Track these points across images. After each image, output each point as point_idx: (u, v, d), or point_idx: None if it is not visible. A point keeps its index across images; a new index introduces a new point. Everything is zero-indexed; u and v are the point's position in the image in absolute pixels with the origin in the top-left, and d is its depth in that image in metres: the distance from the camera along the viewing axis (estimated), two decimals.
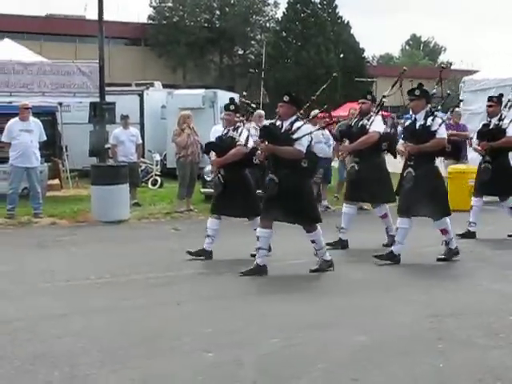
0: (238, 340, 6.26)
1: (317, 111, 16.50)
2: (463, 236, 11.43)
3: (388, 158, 10.94)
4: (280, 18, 63.74)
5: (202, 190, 16.41)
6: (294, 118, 8.88)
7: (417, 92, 9.63)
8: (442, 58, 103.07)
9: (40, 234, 12.18)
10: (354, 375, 5.37)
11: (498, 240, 11.26)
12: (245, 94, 10.91)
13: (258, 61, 55.52)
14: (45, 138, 14.51)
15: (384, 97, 10.66)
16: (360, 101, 10.98)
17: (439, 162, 11.10)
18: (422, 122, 9.54)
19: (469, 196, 14.82)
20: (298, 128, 8.74)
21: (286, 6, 62.25)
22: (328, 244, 10.21)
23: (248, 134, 9.82)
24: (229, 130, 9.96)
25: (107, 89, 17.05)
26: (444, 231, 9.75)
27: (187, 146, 14.91)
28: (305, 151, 8.76)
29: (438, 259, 9.72)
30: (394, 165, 11.26)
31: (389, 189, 10.66)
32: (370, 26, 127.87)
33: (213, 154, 10.12)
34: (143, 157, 19.43)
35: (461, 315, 7.02)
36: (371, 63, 79.05)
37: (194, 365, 5.63)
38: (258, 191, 10.30)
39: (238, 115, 9.96)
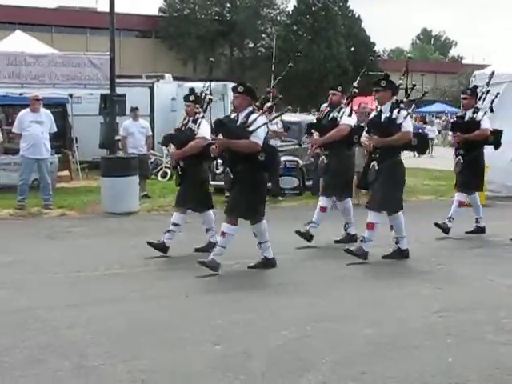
0: (246, 332, 6.27)
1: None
2: (472, 232, 11.38)
3: None
4: (291, 12, 63.74)
5: (212, 182, 16.38)
6: (249, 109, 8.58)
7: (382, 83, 9.34)
8: (453, 52, 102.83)
9: (50, 226, 12.21)
10: (363, 368, 5.36)
11: (509, 235, 11.21)
12: (270, 89, 10.53)
13: (268, 54, 55.36)
14: (55, 130, 14.53)
15: (354, 87, 10.31)
16: (330, 92, 10.66)
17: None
18: (388, 115, 9.22)
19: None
20: (254, 120, 8.42)
21: None
22: (336, 241, 10.27)
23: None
24: (188, 122, 9.69)
25: (118, 81, 17.04)
26: (371, 226, 9.23)
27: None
28: (261, 144, 8.42)
29: (384, 256, 9.45)
30: None
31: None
32: (381, 20, 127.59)
33: (172, 147, 9.86)
34: (153, 149, 19.42)
35: (470, 310, 7.01)
36: (382, 57, 78.76)
37: (203, 356, 5.64)
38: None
39: (197, 106, 9.62)
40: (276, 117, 10.04)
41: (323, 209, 10.39)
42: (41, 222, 12.86)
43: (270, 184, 15.21)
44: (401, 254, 9.43)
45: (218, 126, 8.67)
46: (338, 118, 10.22)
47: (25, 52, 17.49)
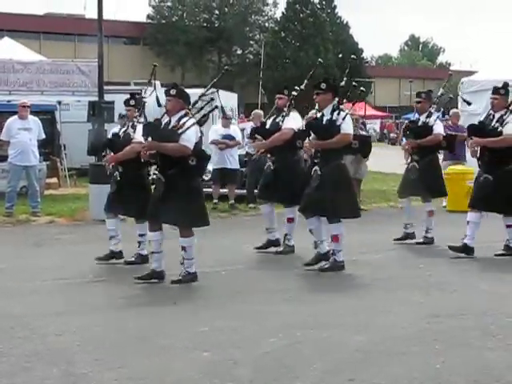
0: (234, 339, 6.26)
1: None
2: (400, 239, 11.04)
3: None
4: (279, 18, 63.86)
5: None
6: (182, 113, 8.38)
7: (323, 86, 9.12)
8: (441, 58, 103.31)
9: (38, 233, 12.18)
10: (351, 375, 5.37)
11: (495, 242, 11.23)
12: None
13: (256, 61, 55.49)
14: (43, 137, 14.52)
15: (300, 90, 10.05)
16: (277, 96, 10.40)
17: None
18: (329, 117, 9.00)
19: (466, 197, 14.90)
20: (185, 123, 8.23)
21: (285, 5, 62.41)
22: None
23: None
24: (128, 127, 9.55)
25: (106, 88, 17.06)
26: (335, 238, 9.07)
27: None
28: (191, 147, 8.17)
29: (306, 263, 9.27)
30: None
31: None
32: (369, 27, 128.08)
33: (110, 152, 9.70)
34: None
35: (458, 316, 7.02)
36: (370, 64, 79.05)
37: (191, 363, 5.63)
38: None
39: (136, 111, 9.46)
40: (204, 119, 8.75)
41: (290, 219, 10.24)
42: (29, 229, 12.82)
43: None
44: (338, 267, 9.07)
45: (147, 129, 8.45)
46: (280, 123, 10.00)
47: (13, 59, 17.50)
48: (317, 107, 9.24)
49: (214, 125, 16.41)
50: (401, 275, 9.06)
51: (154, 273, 8.44)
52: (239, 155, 15.51)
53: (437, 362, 5.64)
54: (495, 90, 10.08)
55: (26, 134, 13.93)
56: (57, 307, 7.36)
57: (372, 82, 60.35)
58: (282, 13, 63.00)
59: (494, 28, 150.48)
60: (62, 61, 19.20)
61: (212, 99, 9.00)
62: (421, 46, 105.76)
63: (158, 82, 28.14)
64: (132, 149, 9.21)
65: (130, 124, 9.50)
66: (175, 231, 8.55)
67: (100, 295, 7.92)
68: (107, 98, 16.85)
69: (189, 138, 8.17)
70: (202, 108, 8.83)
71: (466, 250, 9.99)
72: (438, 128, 11.05)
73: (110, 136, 10.08)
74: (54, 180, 18.42)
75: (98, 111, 16.24)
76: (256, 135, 10.37)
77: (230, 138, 15.11)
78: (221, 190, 15.22)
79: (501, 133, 9.67)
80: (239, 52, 66.44)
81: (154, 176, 8.42)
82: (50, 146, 18.17)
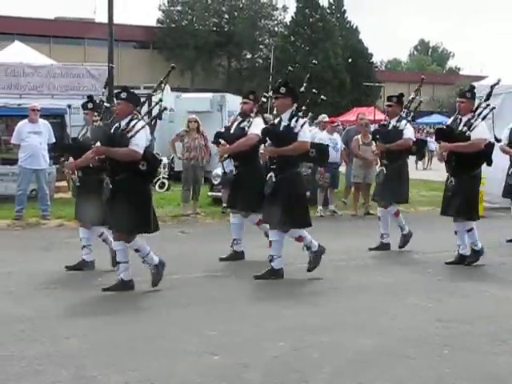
0: (244, 343, 6.27)
1: (324, 116, 16.64)
2: (376, 248, 10.93)
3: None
4: (288, 23, 63.85)
5: (210, 193, 16.45)
6: (131, 116, 8.15)
7: (282, 90, 8.83)
8: (451, 63, 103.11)
9: (48, 236, 12.21)
10: (360, 379, 5.38)
11: (506, 246, 11.22)
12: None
13: (265, 65, 55.59)
14: (54, 140, 14.54)
15: (265, 97, 9.79)
16: (242, 101, 10.16)
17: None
18: (287, 123, 8.73)
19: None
20: (133, 127, 8.00)
21: (295, 10, 62.37)
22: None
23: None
24: (87, 131, 9.38)
25: (116, 91, 17.08)
26: (300, 238, 8.97)
27: (190, 149, 14.92)
28: (141, 152, 7.95)
29: (308, 269, 9.06)
30: None
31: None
32: (378, 31, 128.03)
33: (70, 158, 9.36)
34: None
35: (467, 321, 7.03)
36: (379, 68, 79.03)
37: (200, 367, 5.64)
38: None
39: (95, 114, 9.20)
40: (153, 121, 8.65)
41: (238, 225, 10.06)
42: (39, 232, 12.86)
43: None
44: (277, 274, 8.90)
45: (95, 133, 8.28)
46: (246, 128, 9.67)
47: (23, 63, 17.55)
48: (275, 112, 9.07)
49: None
50: (409, 279, 9.06)
51: (122, 283, 8.16)
52: None
53: (445, 367, 5.65)
54: (462, 94, 9.93)
55: (36, 137, 13.97)
56: (66, 310, 7.39)
57: (381, 86, 60.26)
58: (292, 17, 63.01)
59: (497, 29, 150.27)
60: (72, 65, 19.24)
61: (161, 100, 8.73)
62: (430, 50, 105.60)
63: (167, 86, 28.22)
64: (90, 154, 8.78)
65: (89, 128, 9.33)
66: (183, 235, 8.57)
67: (109, 299, 7.93)
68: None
69: (138, 142, 7.93)
70: (150, 111, 8.75)
71: (462, 260, 9.86)
72: (408, 133, 10.79)
73: (69, 140, 9.87)
74: (64, 183, 18.44)
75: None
76: (220, 140, 10.10)
77: None
78: None
79: (469, 137, 9.45)
80: (249, 56, 66.45)
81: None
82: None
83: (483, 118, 9.59)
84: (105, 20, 17.45)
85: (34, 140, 13.91)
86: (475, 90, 9.97)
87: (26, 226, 13.28)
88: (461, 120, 9.70)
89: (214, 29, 63.47)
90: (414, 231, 11.06)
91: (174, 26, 62.07)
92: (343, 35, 63.06)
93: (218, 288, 8.46)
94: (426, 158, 32.22)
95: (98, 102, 9.57)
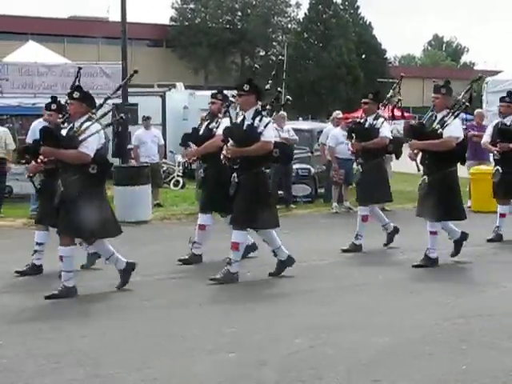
0: (260, 340, 6.27)
1: (339, 112, 16.60)
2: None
3: None
4: (301, 19, 63.78)
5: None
6: (85, 117, 7.85)
7: (245, 87, 8.54)
8: (465, 58, 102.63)
9: None
10: (376, 376, 5.36)
11: None
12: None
13: (279, 62, 55.50)
14: None
15: (234, 96, 9.28)
16: (210, 100, 9.85)
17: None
18: (250, 122, 8.44)
19: (491, 198, 14.81)
20: (87, 128, 7.69)
21: (308, 6, 62.27)
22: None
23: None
24: None
25: (129, 90, 17.14)
26: (235, 246, 8.52)
27: None
28: (92, 155, 7.64)
29: (270, 273, 8.82)
30: None
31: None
32: (392, 27, 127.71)
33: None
34: (165, 158, 19.48)
35: (485, 317, 6.99)
36: (393, 64, 78.76)
37: (216, 364, 5.65)
38: None
39: (60, 116, 8.73)
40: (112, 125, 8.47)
41: (202, 227, 9.73)
42: (54, 231, 12.84)
43: (281, 192, 15.39)
44: (230, 279, 8.49)
45: (44, 134, 7.88)
46: (215, 129, 9.44)
47: (37, 62, 17.62)
48: (237, 110, 8.82)
49: None
50: (426, 275, 9.02)
51: (65, 289, 7.84)
52: None
53: (463, 363, 5.61)
54: (436, 89, 9.54)
55: None
56: (81, 309, 7.42)
57: (395, 82, 60.08)
58: (305, 14, 62.92)
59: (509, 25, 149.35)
60: (85, 63, 19.30)
61: (117, 106, 8.44)
62: (444, 45, 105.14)
63: (181, 84, 28.36)
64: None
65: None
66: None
67: (125, 297, 7.94)
68: (131, 100, 16.92)
69: (89, 145, 7.65)
70: (106, 113, 8.50)
71: (430, 262, 9.37)
72: (385, 131, 10.48)
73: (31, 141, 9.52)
74: None
75: (122, 113, 16.31)
76: (189, 142, 9.95)
77: None
78: None
79: (441, 135, 9.11)
80: (262, 53, 66.46)
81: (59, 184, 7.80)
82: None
83: (456, 116, 9.24)
84: (118, 19, 17.46)
85: None
86: (450, 85, 9.61)
87: None
88: (436, 117, 9.38)
89: (227, 26, 63.55)
90: (425, 227, 10.94)
91: (187, 23, 62.17)
92: (356, 31, 62.88)
93: (234, 286, 8.44)
94: None
95: (62, 103, 9.09)
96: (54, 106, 9.21)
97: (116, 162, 16.18)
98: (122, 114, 8.78)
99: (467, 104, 9.41)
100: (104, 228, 7.95)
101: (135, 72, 8.37)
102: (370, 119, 10.55)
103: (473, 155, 14.92)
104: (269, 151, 8.51)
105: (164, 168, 19.67)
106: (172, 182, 20.03)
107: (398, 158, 10.90)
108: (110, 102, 8.87)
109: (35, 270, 9.09)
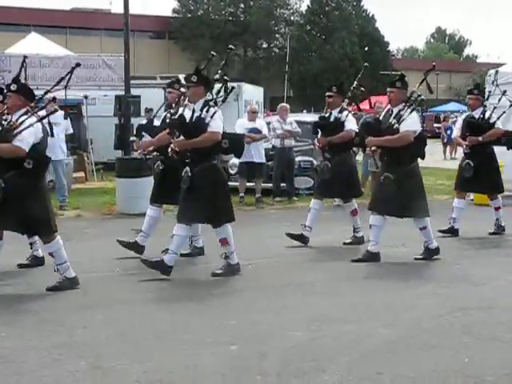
0: (261, 333, 6.27)
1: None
2: (351, 243, 10.44)
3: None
4: (304, 12, 63.72)
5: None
6: (22, 111, 7.65)
7: (193, 78, 8.34)
8: (468, 51, 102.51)
9: (65, 227, 12.17)
10: (379, 368, 5.35)
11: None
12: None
13: (282, 54, 55.47)
14: (71, 131, 14.61)
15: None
16: (167, 90, 9.69)
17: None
18: (198, 114, 8.21)
19: None
20: (22, 122, 7.49)
21: None
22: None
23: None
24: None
25: (132, 82, 17.13)
26: (224, 241, 8.39)
27: None
28: (27, 149, 7.43)
29: (213, 273, 8.45)
30: None
31: None
32: (395, 19, 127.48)
33: None
34: None
35: (486, 309, 6.99)
36: (396, 56, 78.65)
37: (219, 357, 5.64)
38: None
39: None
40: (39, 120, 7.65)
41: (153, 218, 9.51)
42: (56, 223, 12.85)
43: (283, 184, 15.39)
44: (232, 271, 8.45)
45: None
46: (168, 120, 9.14)
47: (40, 54, 17.62)
48: (186, 102, 8.57)
49: (240, 118, 16.46)
50: (428, 268, 9.03)
51: (66, 281, 7.81)
52: (265, 149, 15.49)
53: (465, 356, 5.61)
54: (391, 83, 9.33)
55: (53, 128, 13.98)
56: (84, 301, 7.41)
57: (398, 74, 59.98)
58: (308, 6, 62.85)
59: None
60: (88, 55, 19.32)
61: (54, 98, 8.33)
62: (447, 38, 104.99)
63: (183, 76, 28.26)
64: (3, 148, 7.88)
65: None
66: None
67: (127, 289, 7.94)
68: (133, 92, 16.91)
69: (23, 139, 7.43)
70: (42, 107, 8.29)
71: (371, 257, 9.20)
72: (350, 124, 10.25)
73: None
74: (81, 174, 18.55)
75: (125, 105, 16.32)
76: (140, 133, 9.79)
77: (256, 131, 15.09)
78: (247, 184, 15.22)
79: (397, 130, 8.90)
80: (265, 46, 66.37)
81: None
82: (77, 141, 18.29)
83: (412, 110, 9.02)
84: (120, 10, 17.45)
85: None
86: (406, 79, 9.38)
87: None
88: (392, 111, 9.13)
89: (230, 18, 63.47)
90: (430, 219, 10.90)
91: (189, 15, 62.11)
92: (359, 24, 62.80)
93: (236, 278, 8.44)
94: (450, 148, 31.99)
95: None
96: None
97: (118, 154, 16.23)
98: (55, 108, 8.50)
99: (422, 97, 9.15)
100: (43, 223, 7.77)
101: (77, 65, 8.41)
102: (335, 113, 10.32)
103: None
104: (216, 142, 8.26)
105: None
106: None
107: (364, 151, 10.79)
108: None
109: (37, 261, 9.07)
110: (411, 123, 9.00)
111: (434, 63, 10.10)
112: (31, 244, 9.07)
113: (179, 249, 8.45)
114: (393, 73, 57.92)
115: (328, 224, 9.80)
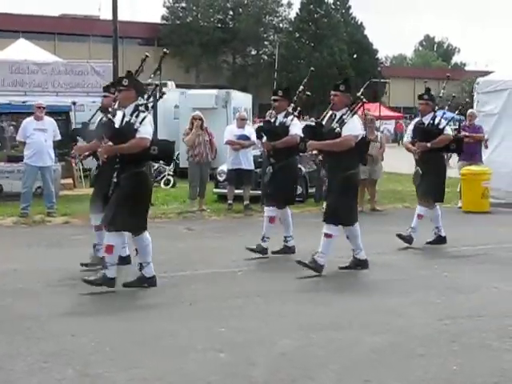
0: (250, 340, 6.25)
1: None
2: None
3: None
4: (293, 19, 63.87)
5: (215, 190, 16.43)
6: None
7: (125, 82, 8.16)
8: (456, 58, 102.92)
9: (53, 233, 12.21)
10: (367, 376, 5.34)
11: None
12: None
13: (270, 61, 55.60)
14: (59, 138, 14.55)
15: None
16: (103, 94, 9.54)
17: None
18: (128, 119, 7.98)
19: (482, 198, 14.89)
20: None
21: (300, 6, 62.37)
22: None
23: None
24: None
25: None
26: (108, 249, 8.05)
27: (195, 146, 14.92)
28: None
29: (125, 285, 8.17)
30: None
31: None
32: (383, 27, 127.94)
33: None
34: None
35: (476, 317, 6.99)
36: (384, 64, 78.91)
37: (207, 364, 5.62)
38: None
39: None
40: None
41: (99, 227, 8.99)
42: (44, 229, 12.86)
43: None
44: (147, 282, 8.20)
45: None
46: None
47: (28, 60, 17.57)
48: (116, 106, 8.37)
49: (228, 125, 16.44)
50: (416, 276, 9.02)
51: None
52: (254, 156, 15.48)
53: (454, 364, 5.61)
54: (335, 86, 9.01)
55: (41, 134, 13.98)
56: (72, 308, 7.38)
57: (387, 82, 60.16)
58: (297, 13, 63.02)
59: (502, 25, 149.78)
60: (76, 62, 19.27)
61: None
62: (435, 46, 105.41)
63: (172, 83, 28.32)
64: None
65: None
66: None
67: (114, 296, 7.91)
68: None
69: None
70: None
71: (360, 263, 9.16)
72: (295, 129, 9.84)
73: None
74: (69, 181, 18.48)
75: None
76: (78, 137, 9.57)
77: (245, 138, 15.08)
78: (236, 191, 15.20)
79: (339, 134, 8.70)
80: (253, 53, 66.47)
81: None
82: (65, 147, 18.22)
83: (354, 114, 8.83)
84: (109, 17, 17.44)
85: (39, 137, 13.93)
86: (350, 83, 9.20)
87: (32, 224, 13.27)
88: (335, 116, 8.94)
89: (219, 25, 63.56)
90: (418, 227, 10.88)
91: (178, 22, 62.15)
92: (348, 31, 63.04)
93: (224, 285, 8.44)
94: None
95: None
96: None
97: None
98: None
99: (364, 100, 8.99)
100: None
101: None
102: (280, 117, 10.06)
103: (464, 155, 14.96)
104: (145, 148, 7.96)
105: (155, 167, 19.63)
106: (163, 180, 20.00)
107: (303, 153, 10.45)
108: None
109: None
110: (353, 127, 8.79)
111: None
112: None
113: (114, 259, 8.14)
114: (381, 81, 58.26)
115: (317, 231, 9.77)
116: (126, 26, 39.68)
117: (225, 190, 15.28)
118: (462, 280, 8.74)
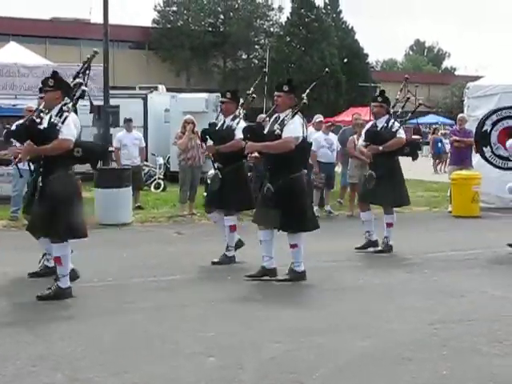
0: (239, 344, 6.24)
1: (319, 116, 16.60)
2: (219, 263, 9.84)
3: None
4: (284, 23, 63.91)
5: (205, 193, 16.40)
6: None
7: (50, 82, 7.97)
8: (446, 63, 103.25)
9: None
10: (356, 381, 5.35)
11: (500, 247, 11.19)
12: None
13: (261, 65, 55.55)
14: None
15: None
16: (39, 95, 9.16)
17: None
18: (53, 120, 7.73)
19: (472, 202, 14.93)
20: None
21: (290, 10, 62.42)
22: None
23: None
24: None
25: (111, 92, 17.08)
26: (58, 260, 7.89)
27: (187, 149, 14.90)
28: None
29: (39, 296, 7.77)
30: None
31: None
32: (374, 31, 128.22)
33: None
34: (146, 160, 19.44)
35: (465, 322, 6.99)
36: (374, 68, 79.05)
37: (196, 368, 5.61)
38: None
39: None
40: None
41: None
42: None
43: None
44: (62, 294, 7.80)
45: None
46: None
47: (18, 63, 17.51)
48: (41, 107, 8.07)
49: None
50: (406, 280, 9.03)
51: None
52: None
53: (444, 369, 5.60)
54: (278, 87, 8.80)
55: None
56: (62, 312, 7.35)
57: (377, 86, 60.23)
58: (287, 17, 63.03)
59: (494, 30, 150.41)
60: (67, 65, 19.20)
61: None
62: (426, 50, 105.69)
63: (163, 86, 28.33)
64: None
65: None
66: None
67: (104, 300, 7.89)
68: (112, 102, 16.85)
69: None
70: None
71: (268, 272, 8.83)
72: (240, 133, 9.37)
73: None
74: None
75: (104, 115, 16.26)
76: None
77: None
78: None
79: (279, 136, 8.45)
80: (244, 57, 66.43)
81: None
82: None
83: (294, 115, 8.56)
84: (100, 20, 17.41)
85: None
86: (293, 84, 8.98)
87: (22, 227, 13.16)
88: (279, 117, 8.71)
89: (210, 29, 63.50)
90: (408, 231, 10.92)
91: (169, 26, 62.09)
92: (339, 35, 63.13)
93: (214, 289, 8.43)
94: (438, 161, 31.47)
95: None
96: None
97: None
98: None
99: (306, 102, 8.75)
100: None
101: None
102: (228, 120, 9.81)
103: (454, 160, 15.00)
104: (67, 150, 7.68)
105: (145, 170, 19.63)
106: (153, 184, 19.98)
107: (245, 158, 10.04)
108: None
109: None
110: (293, 129, 8.50)
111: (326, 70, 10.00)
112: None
113: (66, 269, 7.92)
114: (372, 85, 58.36)
115: (307, 235, 9.78)
116: (117, 29, 39.52)
117: None
118: (452, 284, 8.75)
